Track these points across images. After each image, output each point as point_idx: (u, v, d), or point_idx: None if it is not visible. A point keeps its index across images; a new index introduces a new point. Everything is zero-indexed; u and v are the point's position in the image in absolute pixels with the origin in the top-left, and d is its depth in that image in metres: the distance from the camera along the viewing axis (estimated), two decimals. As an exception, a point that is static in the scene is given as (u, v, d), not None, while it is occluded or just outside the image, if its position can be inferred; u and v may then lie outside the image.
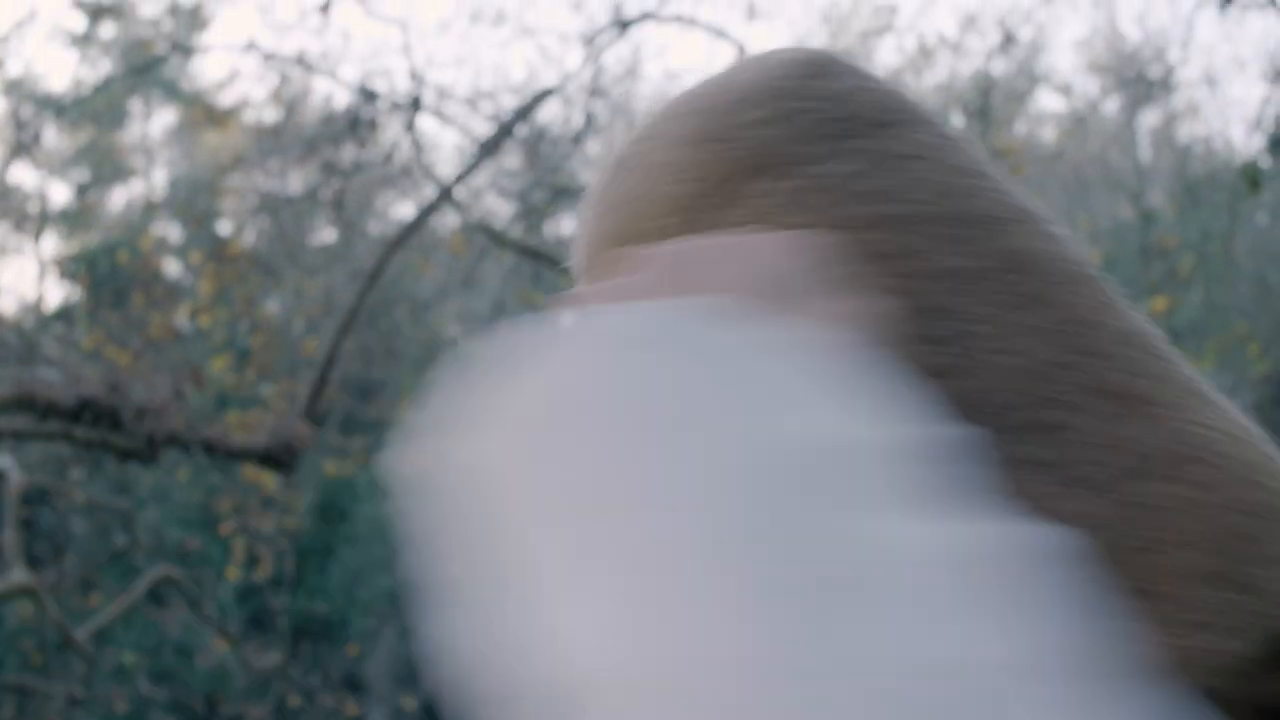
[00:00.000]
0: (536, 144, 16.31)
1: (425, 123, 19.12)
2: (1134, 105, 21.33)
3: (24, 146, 18.18)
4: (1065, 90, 23.76)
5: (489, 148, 15.21)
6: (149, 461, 13.35)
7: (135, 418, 12.48)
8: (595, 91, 16.19)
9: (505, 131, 15.24)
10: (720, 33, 15.79)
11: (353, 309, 14.26)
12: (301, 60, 15.96)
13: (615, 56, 16.86)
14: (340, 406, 18.91)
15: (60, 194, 26.62)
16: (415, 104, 14.92)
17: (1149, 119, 23.41)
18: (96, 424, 12.51)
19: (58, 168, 24.93)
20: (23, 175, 28.40)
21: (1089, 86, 23.74)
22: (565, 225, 18.35)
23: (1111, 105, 22.45)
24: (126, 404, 12.48)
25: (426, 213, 15.54)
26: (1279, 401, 18.67)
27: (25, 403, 12.13)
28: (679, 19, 15.78)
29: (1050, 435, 0.76)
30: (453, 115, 15.85)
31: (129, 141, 26.53)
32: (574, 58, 15.95)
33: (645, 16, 15.61)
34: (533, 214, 17.07)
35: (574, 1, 16.22)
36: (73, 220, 25.50)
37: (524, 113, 15.43)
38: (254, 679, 17.91)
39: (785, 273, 0.70)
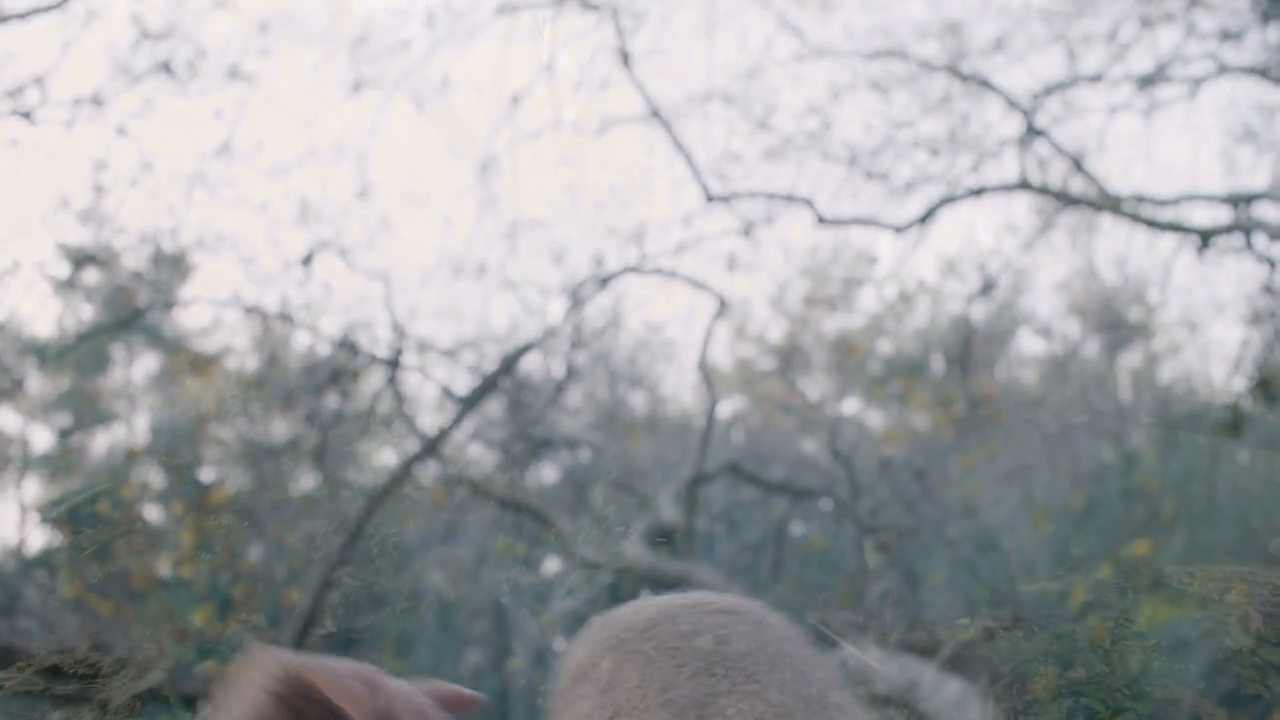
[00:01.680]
0: (518, 394, 16.36)
1: (408, 372, 19.23)
2: (1114, 347, 21.48)
3: (6, 391, 18.22)
4: (1045, 333, 23.96)
5: (471, 402, 15.24)
6: (130, 719, 13.11)
7: (116, 673, 12.29)
8: (577, 343, 16.30)
9: (488, 385, 15.29)
10: (701, 285, 15.97)
11: (334, 562, 14.15)
12: (284, 313, 16.07)
13: (597, 308, 17.00)
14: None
15: (42, 438, 26.57)
16: (396, 360, 14.99)
17: (1129, 360, 23.57)
18: (76, 679, 12.31)
19: (40, 412, 24.92)
20: (4, 419, 28.39)
21: (1069, 329, 23.94)
22: (547, 475, 18.39)
23: (1092, 347, 22.63)
24: (107, 659, 12.30)
25: (408, 465, 15.52)
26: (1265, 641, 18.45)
27: (3, 656, 11.96)
28: (659, 271, 15.96)
29: None
30: (434, 371, 15.95)
31: (111, 387, 26.59)
32: (556, 309, 16.11)
33: (626, 269, 15.79)
34: (515, 465, 17.04)
35: (555, 254, 16.38)
36: (54, 465, 25.42)
37: (507, 366, 15.51)
38: None
39: None
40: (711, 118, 26.14)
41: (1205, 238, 13.94)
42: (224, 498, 18.65)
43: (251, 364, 19.33)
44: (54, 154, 24.57)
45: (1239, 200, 14.26)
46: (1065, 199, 15.13)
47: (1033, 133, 15.20)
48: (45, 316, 21.81)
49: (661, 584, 14.97)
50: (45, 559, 22.14)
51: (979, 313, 20.07)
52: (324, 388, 15.78)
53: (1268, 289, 15.38)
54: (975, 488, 18.81)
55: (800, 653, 1.48)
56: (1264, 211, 14.46)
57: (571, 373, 16.61)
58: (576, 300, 15.73)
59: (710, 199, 15.21)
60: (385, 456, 20.35)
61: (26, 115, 23.19)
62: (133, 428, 27.06)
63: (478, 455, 18.81)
